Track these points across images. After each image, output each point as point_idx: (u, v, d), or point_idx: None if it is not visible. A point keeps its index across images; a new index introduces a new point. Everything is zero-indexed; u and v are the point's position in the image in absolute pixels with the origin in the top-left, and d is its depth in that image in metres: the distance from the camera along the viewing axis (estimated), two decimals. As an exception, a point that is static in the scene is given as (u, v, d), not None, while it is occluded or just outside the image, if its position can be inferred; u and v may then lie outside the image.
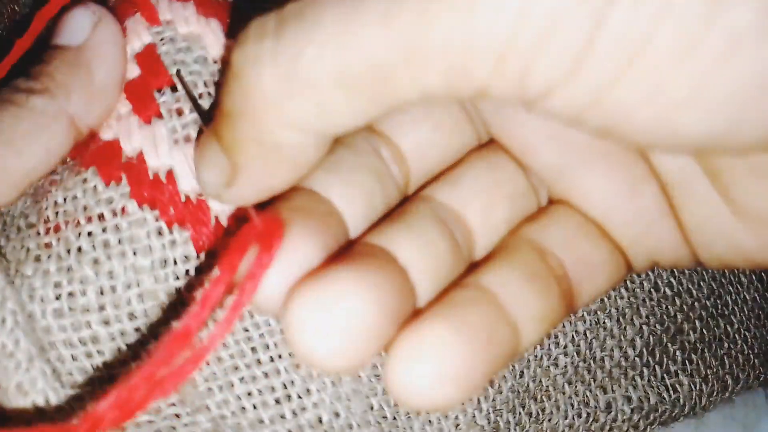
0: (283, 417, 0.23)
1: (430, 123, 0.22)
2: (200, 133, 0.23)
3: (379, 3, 0.16)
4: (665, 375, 0.30)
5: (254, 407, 0.23)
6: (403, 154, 0.22)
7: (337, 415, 0.23)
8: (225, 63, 0.24)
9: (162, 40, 0.24)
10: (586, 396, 0.29)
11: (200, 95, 0.23)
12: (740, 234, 0.19)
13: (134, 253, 0.22)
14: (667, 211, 0.21)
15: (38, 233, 0.22)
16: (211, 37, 0.24)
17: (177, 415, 0.22)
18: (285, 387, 0.23)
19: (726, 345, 0.31)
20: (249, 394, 0.23)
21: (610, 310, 0.29)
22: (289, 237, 0.18)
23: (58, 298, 0.22)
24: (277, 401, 0.23)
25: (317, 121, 0.17)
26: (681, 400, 0.30)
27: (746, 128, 0.16)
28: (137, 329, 0.22)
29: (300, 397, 0.23)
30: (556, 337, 0.28)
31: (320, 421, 0.23)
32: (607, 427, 0.30)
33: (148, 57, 0.24)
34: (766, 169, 0.18)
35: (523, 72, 0.16)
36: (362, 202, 0.21)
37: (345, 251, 0.19)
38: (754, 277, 0.33)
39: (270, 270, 0.18)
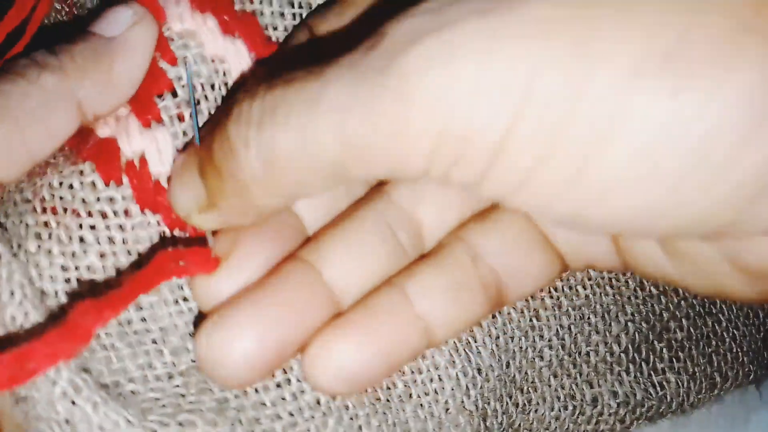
0: (284, 399, 0.24)
1: None
2: (186, 144, 0.24)
3: (333, 110, 0.18)
4: (652, 372, 0.31)
5: (256, 391, 0.24)
6: None
7: (333, 397, 0.24)
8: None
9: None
10: (572, 390, 0.30)
11: (198, 101, 0.24)
12: (665, 262, 0.22)
13: (139, 254, 0.23)
14: None
15: (35, 209, 0.23)
16: (206, 33, 0.25)
17: (182, 395, 0.23)
18: (284, 372, 0.24)
19: (714, 343, 0.32)
20: None
21: (594, 307, 0.30)
22: (241, 246, 0.23)
23: (68, 281, 0.23)
24: (278, 385, 0.24)
25: (294, 192, 0.21)
26: (668, 397, 0.31)
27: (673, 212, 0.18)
28: (143, 319, 0.23)
29: (299, 381, 0.24)
30: (541, 330, 0.29)
31: (318, 402, 0.24)
32: (594, 421, 0.31)
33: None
34: None
35: (451, 163, 0.18)
36: (324, 205, 0.24)
37: (269, 272, 0.22)
38: (743, 278, 0.33)
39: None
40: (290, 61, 0.24)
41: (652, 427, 0.31)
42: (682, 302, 0.31)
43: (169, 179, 0.24)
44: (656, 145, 0.16)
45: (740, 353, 0.32)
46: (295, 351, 0.22)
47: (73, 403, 0.21)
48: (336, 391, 0.22)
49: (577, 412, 0.30)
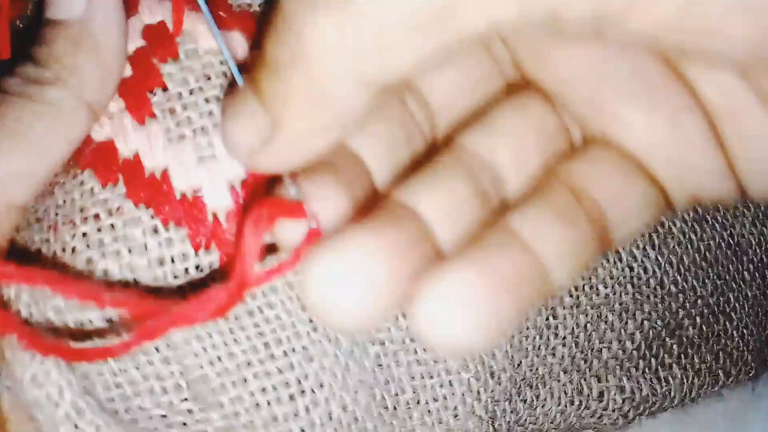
0: (296, 414, 0.23)
1: (453, 66, 0.21)
2: (228, 92, 0.23)
3: None
4: (659, 367, 0.31)
5: (268, 403, 0.23)
6: (427, 100, 0.21)
7: (344, 408, 0.23)
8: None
9: None
10: (581, 384, 0.30)
11: (191, 91, 0.23)
12: None
13: (129, 252, 0.22)
14: (713, 143, 0.20)
15: (42, 228, 0.22)
16: (200, 28, 0.24)
17: (189, 411, 0.22)
18: (299, 382, 0.23)
19: (723, 341, 0.32)
20: (263, 389, 0.23)
21: (613, 305, 0.29)
22: (318, 192, 0.18)
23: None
24: (291, 397, 0.23)
25: (377, 69, 0.16)
26: (672, 392, 0.31)
27: None
28: None
29: (313, 391, 0.23)
30: (556, 328, 0.28)
31: (330, 417, 0.23)
32: (597, 415, 0.30)
33: (141, 59, 0.23)
34: None
35: None
36: (387, 152, 0.20)
37: (363, 210, 0.19)
38: (757, 274, 0.33)
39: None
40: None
41: (654, 421, 0.31)
42: (699, 300, 0.31)
43: (164, 172, 0.23)
44: None
45: (746, 351, 0.32)
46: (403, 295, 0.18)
47: (76, 426, 0.21)
48: (460, 344, 0.17)
49: (583, 406, 0.30)
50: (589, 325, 0.29)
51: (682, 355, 0.31)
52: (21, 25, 0.26)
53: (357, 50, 0.16)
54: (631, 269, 0.29)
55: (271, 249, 0.20)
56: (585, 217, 0.20)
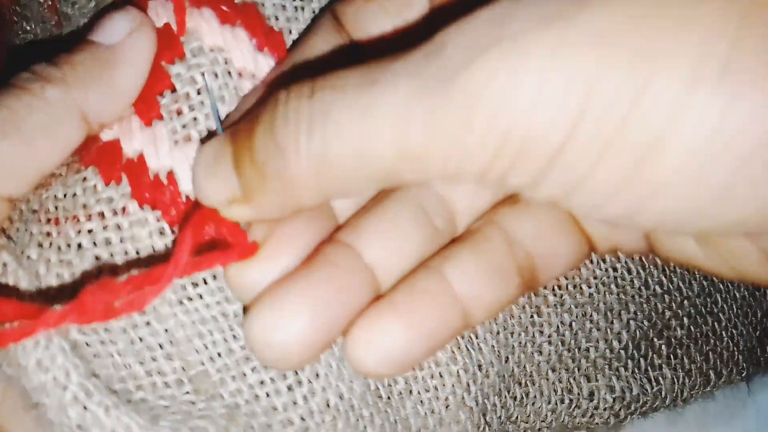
0: (295, 403, 0.24)
1: None
2: (209, 136, 0.24)
3: (390, 119, 0.18)
4: (649, 367, 0.31)
5: (267, 395, 0.24)
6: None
7: (341, 397, 0.24)
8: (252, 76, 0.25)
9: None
10: (570, 383, 0.30)
11: (198, 90, 0.24)
12: (695, 251, 0.22)
13: (137, 252, 0.23)
14: None
15: (39, 220, 0.23)
16: (203, 26, 0.24)
17: (192, 402, 0.23)
18: (296, 373, 0.24)
19: (712, 341, 0.32)
20: (261, 382, 0.24)
21: (598, 305, 0.30)
22: (274, 238, 0.22)
23: (61, 289, 0.22)
24: (289, 388, 0.24)
25: (340, 193, 0.20)
26: (663, 392, 0.31)
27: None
28: (147, 323, 0.23)
29: (310, 381, 0.24)
30: (541, 326, 0.29)
31: (328, 405, 0.24)
32: (589, 414, 0.31)
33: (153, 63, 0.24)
34: None
35: (508, 168, 0.18)
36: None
37: (310, 255, 0.22)
38: (746, 276, 0.33)
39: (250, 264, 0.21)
40: (321, 55, 0.24)
41: (647, 421, 0.31)
42: (685, 301, 0.31)
43: (169, 174, 0.23)
44: (709, 149, 0.17)
45: (736, 352, 0.32)
46: (340, 332, 0.22)
47: (85, 408, 0.21)
48: (380, 373, 0.22)
49: (574, 405, 0.31)
50: (574, 323, 0.30)
51: (671, 356, 0.31)
52: (28, 28, 0.27)
53: (326, 180, 0.19)
54: (615, 270, 0.30)
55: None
56: (515, 267, 0.23)
